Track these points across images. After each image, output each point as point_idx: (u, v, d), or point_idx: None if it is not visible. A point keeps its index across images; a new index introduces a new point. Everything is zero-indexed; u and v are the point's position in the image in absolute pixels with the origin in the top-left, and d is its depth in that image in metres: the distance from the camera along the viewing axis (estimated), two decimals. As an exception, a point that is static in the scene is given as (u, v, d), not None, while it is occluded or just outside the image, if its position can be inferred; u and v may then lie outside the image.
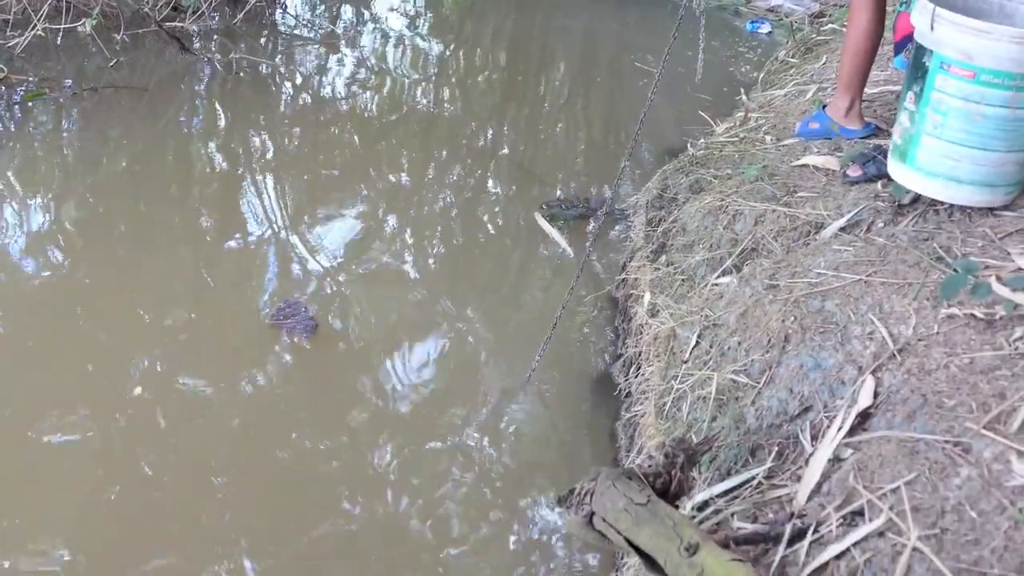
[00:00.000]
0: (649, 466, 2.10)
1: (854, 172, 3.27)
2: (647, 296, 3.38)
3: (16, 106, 5.59)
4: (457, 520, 2.99)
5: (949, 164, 2.78)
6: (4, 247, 4.14)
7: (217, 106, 6.17)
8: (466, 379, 3.58)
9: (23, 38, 6.06)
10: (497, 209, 5.05)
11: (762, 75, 5.90)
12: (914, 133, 2.84)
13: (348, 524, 2.96)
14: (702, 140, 4.51)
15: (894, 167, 2.96)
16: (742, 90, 5.74)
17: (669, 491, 2.08)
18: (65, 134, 5.50)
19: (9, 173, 4.88)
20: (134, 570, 2.72)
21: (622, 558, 2.77)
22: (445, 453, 3.22)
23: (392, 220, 4.73)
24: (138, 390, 3.37)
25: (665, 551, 1.86)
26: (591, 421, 3.43)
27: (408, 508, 3.01)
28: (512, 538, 2.96)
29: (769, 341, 2.58)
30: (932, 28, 2.69)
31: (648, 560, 1.92)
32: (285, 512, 2.96)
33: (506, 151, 5.80)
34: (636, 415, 3.13)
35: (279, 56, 7.19)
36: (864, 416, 2.23)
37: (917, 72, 2.82)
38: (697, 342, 2.84)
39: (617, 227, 4.64)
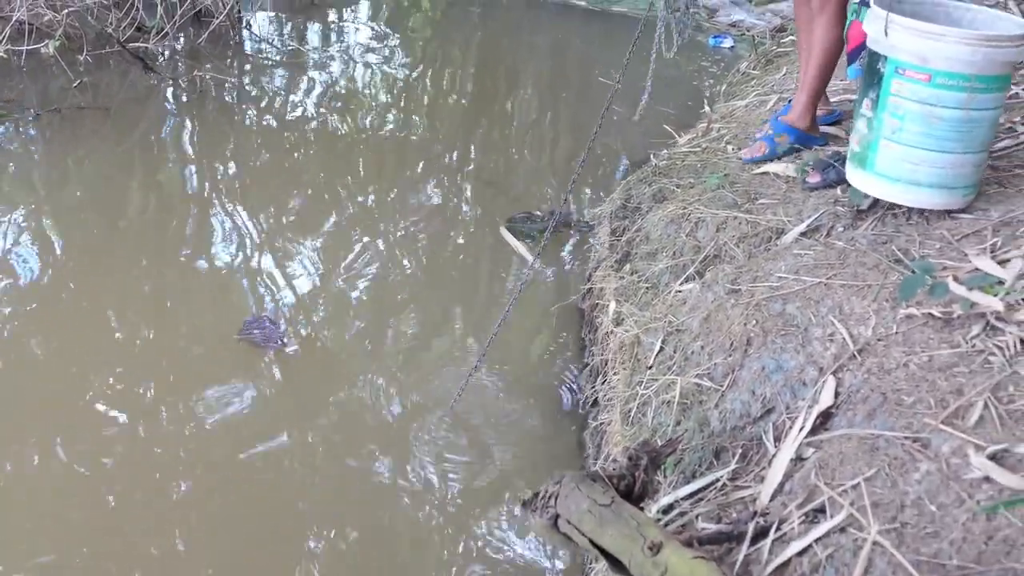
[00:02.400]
0: (613, 469, 2.11)
1: (813, 179, 3.31)
2: (612, 305, 3.39)
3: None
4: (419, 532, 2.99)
5: (908, 168, 2.82)
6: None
7: (182, 127, 6.16)
8: (433, 391, 3.57)
9: (-17, 60, 6.05)
10: (465, 225, 5.05)
11: (724, 87, 5.96)
12: (872, 139, 2.87)
13: (323, 536, 2.94)
14: (665, 151, 4.53)
15: (852, 173, 2.99)
16: (705, 101, 5.79)
17: (633, 493, 2.09)
18: (29, 156, 5.46)
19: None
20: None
21: (590, 563, 2.77)
22: (400, 467, 3.20)
23: (360, 237, 4.72)
24: (102, 407, 3.35)
25: (629, 551, 1.87)
26: (558, 432, 3.43)
27: (376, 524, 3.00)
28: (481, 550, 2.95)
29: (731, 345, 2.59)
30: (886, 34, 2.74)
31: (613, 561, 1.93)
32: (258, 528, 2.94)
33: (474, 168, 5.81)
34: (603, 423, 3.14)
35: (245, 77, 7.18)
36: (826, 416, 2.25)
37: (872, 79, 2.86)
38: (661, 348, 2.86)
39: (574, 239, 4.67)
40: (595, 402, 3.40)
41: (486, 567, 2.88)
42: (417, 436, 3.31)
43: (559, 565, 2.90)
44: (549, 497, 2.07)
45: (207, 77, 6.64)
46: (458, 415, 3.38)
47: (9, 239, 4.43)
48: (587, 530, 1.96)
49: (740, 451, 2.37)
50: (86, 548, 2.81)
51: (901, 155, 2.82)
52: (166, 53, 7.22)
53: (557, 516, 2.05)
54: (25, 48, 6.25)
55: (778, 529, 1.97)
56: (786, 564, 1.89)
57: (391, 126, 6.39)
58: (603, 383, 3.32)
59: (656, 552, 1.82)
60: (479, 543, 2.95)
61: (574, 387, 3.62)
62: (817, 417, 2.24)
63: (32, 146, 5.54)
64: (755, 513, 2.05)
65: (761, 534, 1.99)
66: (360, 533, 2.95)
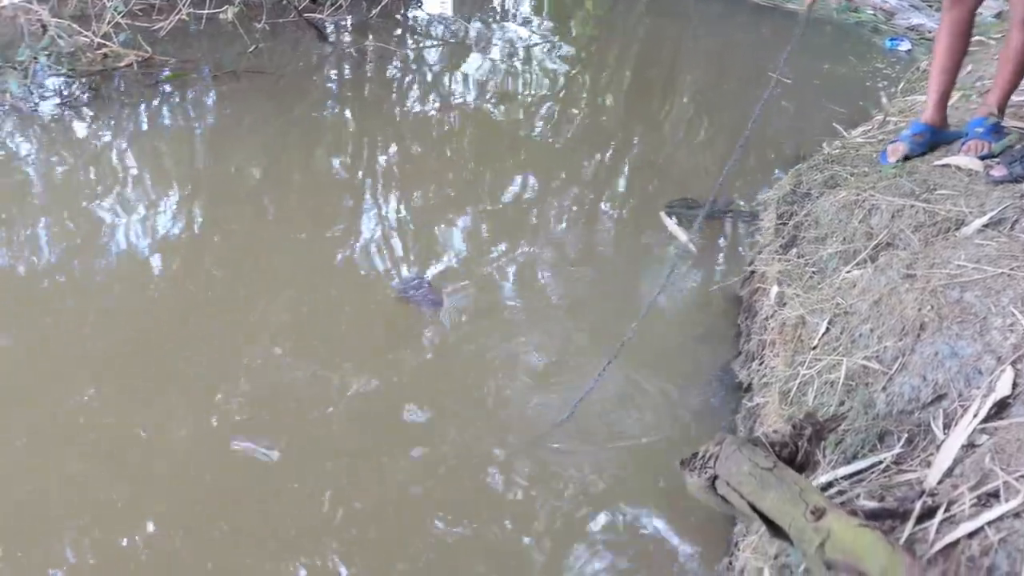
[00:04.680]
0: (776, 436, 2.08)
1: (999, 172, 3.18)
2: (775, 288, 3.33)
3: (158, 86, 5.83)
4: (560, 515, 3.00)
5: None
6: (140, 221, 4.32)
7: (347, 98, 6.32)
8: (582, 369, 3.57)
9: (168, 22, 6.34)
10: (623, 207, 5.04)
11: (902, 84, 5.78)
12: (1068, 130, 2.75)
13: (479, 499, 2.98)
14: (838, 141, 4.42)
15: (1043, 166, 2.87)
16: (881, 94, 5.62)
17: (795, 462, 2.05)
18: (202, 115, 5.71)
19: (152, 148, 5.10)
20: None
21: (736, 544, 2.74)
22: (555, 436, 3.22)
23: (517, 212, 4.76)
24: (271, 367, 3.47)
25: (790, 515, 1.84)
26: (709, 414, 3.38)
27: (525, 492, 3.03)
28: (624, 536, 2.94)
29: (903, 329, 2.52)
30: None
31: (771, 525, 1.90)
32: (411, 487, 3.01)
33: (634, 153, 5.79)
34: (757, 405, 3.08)
35: (410, 53, 7.31)
36: (1001, 406, 2.17)
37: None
38: (827, 329, 2.79)
39: (732, 227, 4.59)
40: (748, 387, 3.35)
41: (633, 546, 2.88)
42: (559, 416, 3.32)
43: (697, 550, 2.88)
44: (708, 458, 2.06)
45: (373, 50, 6.80)
46: (606, 398, 3.37)
47: (176, 198, 4.63)
48: (746, 492, 1.94)
49: (906, 436, 2.30)
50: (253, 501, 2.93)
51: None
52: (337, 26, 7.43)
53: (715, 477, 2.03)
54: (206, 12, 6.54)
55: (947, 510, 1.91)
56: (954, 545, 1.83)
57: (549, 110, 6.42)
58: (759, 366, 3.27)
59: (819, 518, 1.79)
60: (626, 517, 2.95)
61: (727, 371, 3.58)
62: (992, 406, 2.16)
63: (206, 107, 5.78)
64: (922, 492, 1.99)
65: (928, 514, 1.93)
66: (495, 506, 2.99)
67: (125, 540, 2.72)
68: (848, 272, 3.00)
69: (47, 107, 5.42)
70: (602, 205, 4.97)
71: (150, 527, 2.75)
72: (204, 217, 4.47)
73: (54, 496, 2.84)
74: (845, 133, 4.93)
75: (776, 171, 5.36)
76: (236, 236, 4.32)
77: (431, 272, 4.08)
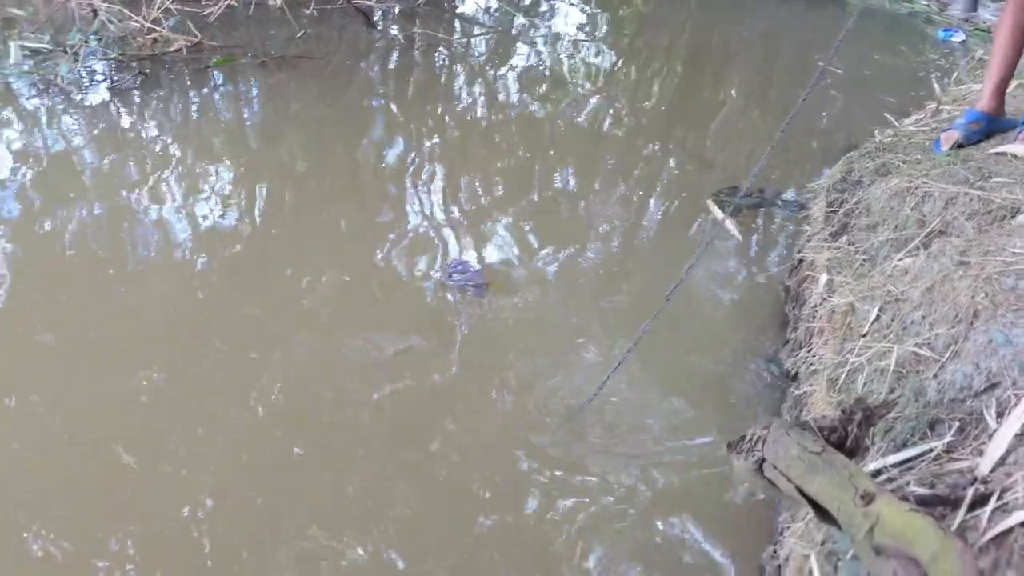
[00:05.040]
0: (825, 421, 2.05)
1: (1057, 160, 3.12)
2: (824, 276, 3.29)
3: (207, 71, 5.88)
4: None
5: None
6: (187, 206, 4.37)
7: (393, 84, 6.33)
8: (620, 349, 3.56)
9: (217, 7, 6.39)
10: (670, 196, 5.01)
11: (956, 73, 5.68)
12: None
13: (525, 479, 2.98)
14: (890, 129, 4.36)
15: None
16: (935, 82, 5.54)
17: (844, 447, 2.03)
18: (250, 101, 5.74)
19: (200, 133, 5.14)
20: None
21: (781, 533, 2.71)
22: (586, 429, 3.21)
23: (563, 198, 4.75)
24: (316, 347, 3.49)
25: (838, 500, 1.81)
26: (755, 402, 3.36)
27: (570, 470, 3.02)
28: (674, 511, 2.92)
29: (956, 316, 2.47)
30: None
31: (818, 509, 1.87)
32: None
33: (682, 142, 5.75)
34: (804, 394, 3.04)
35: (457, 42, 7.31)
36: (1058, 394, 2.12)
37: None
38: (878, 316, 2.75)
39: (780, 216, 4.54)
40: (795, 376, 3.31)
41: (672, 533, 2.87)
42: (598, 401, 3.30)
43: (741, 540, 2.85)
44: (756, 441, 2.03)
45: (420, 38, 6.81)
46: (649, 385, 3.35)
47: (223, 181, 4.67)
48: (794, 476, 1.91)
49: (957, 424, 2.25)
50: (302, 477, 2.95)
51: None
52: (385, 13, 7.44)
53: (763, 460, 2.01)
54: (255, -1, 6.61)
55: (999, 498, 1.87)
56: (1007, 533, 1.79)
57: (597, 101, 6.39)
58: (807, 354, 3.23)
59: (868, 503, 1.75)
60: (667, 505, 2.93)
61: (774, 360, 3.54)
62: (1048, 395, 2.11)
63: (253, 91, 5.82)
64: (975, 479, 1.95)
65: (980, 501, 1.89)
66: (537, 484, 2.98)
67: (183, 510, 2.75)
68: (900, 260, 2.95)
69: (97, 92, 5.48)
70: (649, 195, 4.94)
71: (206, 501, 2.79)
72: (251, 202, 4.50)
73: (100, 477, 2.88)
74: (896, 123, 4.85)
75: (825, 162, 5.29)
76: (283, 221, 4.35)
77: (476, 258, 4.07)
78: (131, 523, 2.72)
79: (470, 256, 4.09)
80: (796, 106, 3.26)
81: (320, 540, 2.70)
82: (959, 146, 3.59)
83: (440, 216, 4.48)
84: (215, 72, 5.87)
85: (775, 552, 2.67)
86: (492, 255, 4.14)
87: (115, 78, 5.60)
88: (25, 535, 2.64)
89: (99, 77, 5.62)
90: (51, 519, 2.70)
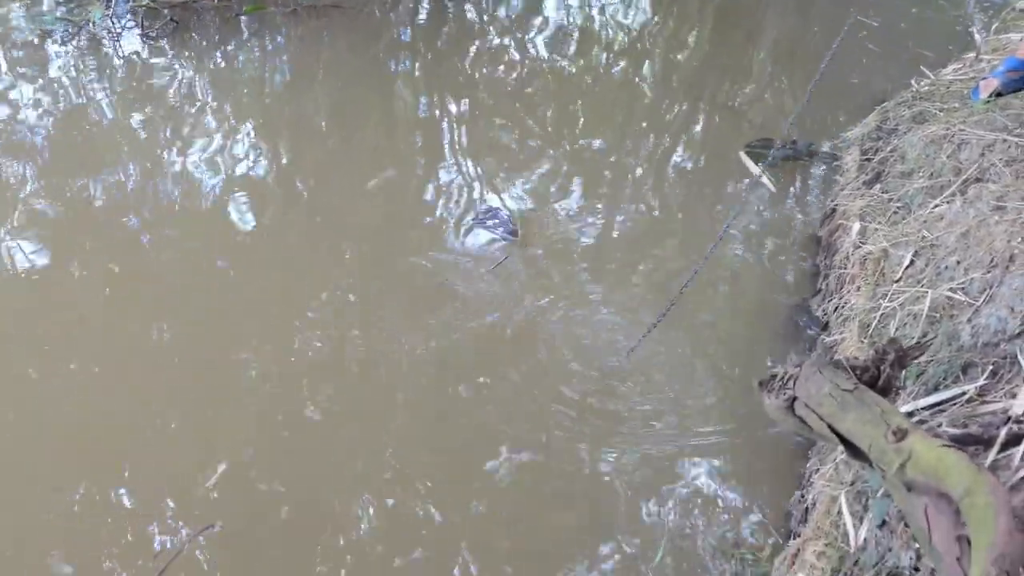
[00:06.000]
0: (857, 360, 2.05)
1: (1098, 108, 3.07)
2: (857, 224, 3.27)
3: (238, 19, 5.85)
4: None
5: None
6: (214, 157, 4.39)
7: (423, 37, 6.28)
8: (656, 301, 3.56)
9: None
10: (703, 150, 4.97)
11: (996, 24, 5.58)
12: None
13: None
14: (927, 79, 4.30)
15: None
16: (974, 31, 5.45)
17: (876, 386, 2.02)
18: (280, 52, 5.72)
19: (230, 82, 5.15)
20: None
21: (808, 478, 2.71)
22: (612, 379, 3.23)
23: (595, 154, 4.72)
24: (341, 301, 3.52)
25: (870, 436, 1.81)
26: (786, 351, 3.35)
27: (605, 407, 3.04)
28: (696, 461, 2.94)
29: (992, 260, 2.45)
30: None
31: (850, 447, 1.87)
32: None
33: (713, 93, 5.68)
34: (836, 341, 3.04)
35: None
36: (1093, 337, 2.10)
37: None
38: (912, 262, 2.73)
39: (815, 168, 4.50)
40: (826, 325, 3.30)
41: (703, 478, 2.89)
42: (623, 350, 3.32)
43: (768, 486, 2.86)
44: (788, 379, 2.03)
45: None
46: (677, 334, 3.35)
47: (254, 136, 4.67)
48: (825, 413, 1.91)
49: (991, 368, 2.24)
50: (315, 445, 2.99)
51: None
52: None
53: (794, 399, 2.01)
54: (283, -54, 6.54)
55: (1033, 438, 1.87)
56: (1039, 472, 1.79)
57: (630, 56, 6.32)
58: (838, 302, 3.22)
59: (900, 439, 1.75)
60: (697, 451, 2.95)
61: (805, 308, 3.53)
62: (1084, 337, 2.10)
63: (283, 41, 5.79)
64: (1008, 419, 1.94)
65: (1012, 441, 1.88)
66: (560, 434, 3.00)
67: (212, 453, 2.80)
68: (935, 206, 2.92)
69: (128, 39, 5.49)
70: (680, 148, 4.90)
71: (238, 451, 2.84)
72: (279, 153, 4.51)
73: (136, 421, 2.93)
74: (929, 74, 4.78)
75: (859, 114, 5.22)
76: (313, 172, 4.36)
77: (506, 206, 4.07)
78: (162, 475, 2.78)
79: (501, 205, 4.08)
80: (825, 57, 3.23)
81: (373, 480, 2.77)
82: (998, 94, 3.53)
83: (471, 167, 4.47)
84: (245, 20, 5.85)
85: (802, 497, 2.68)
86: (523, 204, 4.13)
87: (146, 24, 5.60)
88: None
89: (130, 24, 5.61)
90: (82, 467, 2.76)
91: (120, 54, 5.32)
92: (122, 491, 2.74)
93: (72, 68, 5.12)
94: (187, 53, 5.41)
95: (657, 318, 3.17)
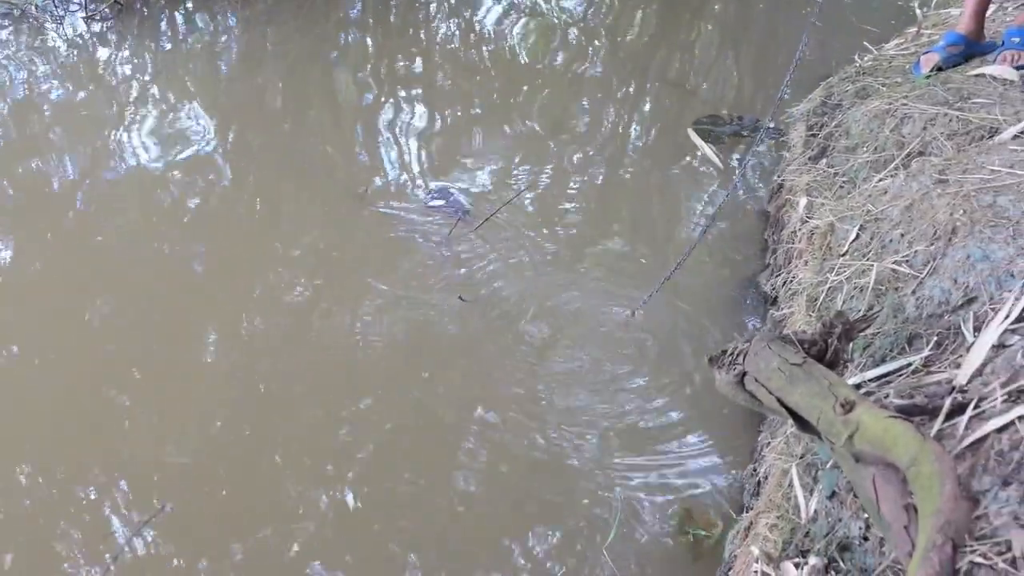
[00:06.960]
0: (805, 334, 2.07)
1: (1035, 80, 3.12)
2: (804, 199, 3.30)
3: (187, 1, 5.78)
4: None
5: None
6: (162, 138, 4.33)
7: (373, 17, 6.23)
8: (612, 281, 3.57)
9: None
10: (650, 125, 4.99)
11: (937, -1, 5.67)
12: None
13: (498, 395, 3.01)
14: (869, 54, 4.35)
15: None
16: (916, 6, 5.52)
17: (824, 359, 2.04)
18: (226, 31, 5.65)
19: (175, 63, 5.08)
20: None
21: (760, 451, 2.75)
22: (575, 339, 3.25)
23: (544, 131, 4.72)
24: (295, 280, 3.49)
25: (819, 409, 1.83)
26: (736, 329, 3.38)
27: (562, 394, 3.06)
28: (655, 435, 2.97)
29: (935, 233, 2.49)
30: None
31: (799, 420, 1.90)
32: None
33: (664, 75, 5.70)
34: (784, 315, 3.07)
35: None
36: (1034, 307, 2.14)
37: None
38: (857, 235, 2.77)
39: (760, 145, 4.55)
40: (775, 299, 3.33)
41: (659, 450, 2.91)
42: (598, 332, 3.33)
43: (723, 460, 2.89)
44: (737, 355, 2.05)
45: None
46: (640, 317, 3.38)
47: (200, 117, 4.62)
48: (775, 388, 1.94)
49: (935, 338, 2.28)
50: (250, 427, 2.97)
51: None
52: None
53: (744, 373, 2.03)
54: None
55: (976, 407, 1.90)
56: (983, 440, 1.82)
57: (577, 33, 6.32)
58: (786, 277, 3.25)
59: (848, 410, 1.78)
60: (647, 434, 2.98)
61: (753, 284, 3.57)
62: (1024, 308, 2.13)
63: (230, 21, 5.72)
64: (952, 389, 1.98)
65: (957, 410, 1.92)
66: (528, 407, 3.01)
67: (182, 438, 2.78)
68: (879, 180, 2.96)
69: (71, 21, 5.39)
70: (631, 124, 4.92)
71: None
72: (227, 134, 4.46)
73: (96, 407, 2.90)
74: (873, 50, 4.83)
75: (805, 90, 5.27)
76: (261, 152, 4.32)
77: (457, 185, 4.06)
78: (115, 458, 2.75)
79: (454, 183, 4.08)
80: (801, 44, 3.24)
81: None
82: (939, 69, 3.58)
83: (419, 148, 4.45)
84: (190, 1, 5.76)
85: (754, 470, 2.72)
86: (472, 184, 4.13)
87: (90, 7, 5.50)
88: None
89: (74, 6, 5.51)
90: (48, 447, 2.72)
91: (64, 36, 5.22)
92: (74, 474, 2.70)
93: (13, 51, 5.01)
94: (132, 34, 5.32)
95: (648, 295, 3.22)
